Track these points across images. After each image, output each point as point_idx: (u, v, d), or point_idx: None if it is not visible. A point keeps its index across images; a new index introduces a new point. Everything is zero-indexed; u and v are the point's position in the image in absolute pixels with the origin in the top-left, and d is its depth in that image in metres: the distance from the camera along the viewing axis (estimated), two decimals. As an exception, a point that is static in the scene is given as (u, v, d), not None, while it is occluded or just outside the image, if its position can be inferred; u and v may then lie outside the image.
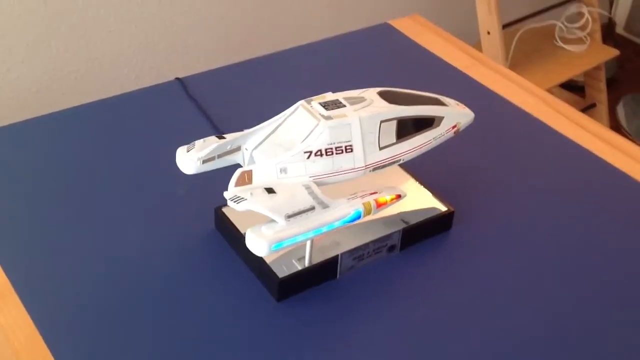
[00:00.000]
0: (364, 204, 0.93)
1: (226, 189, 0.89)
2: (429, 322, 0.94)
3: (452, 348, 0.91)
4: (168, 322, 0.91)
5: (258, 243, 0.86)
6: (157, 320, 0.92)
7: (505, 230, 1.08)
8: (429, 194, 1.07)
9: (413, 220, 1.02)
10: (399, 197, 0.97)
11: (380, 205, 0.95)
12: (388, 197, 0.96)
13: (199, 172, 0.95)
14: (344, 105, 0.94)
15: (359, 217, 0.93)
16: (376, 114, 0.95)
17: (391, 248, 1.02)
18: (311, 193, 0.91)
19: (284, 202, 0.88)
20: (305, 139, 0.92)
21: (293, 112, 0.95)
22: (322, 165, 0.92)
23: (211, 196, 1.03)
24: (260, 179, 0.90)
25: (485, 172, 1.18)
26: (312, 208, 0.90)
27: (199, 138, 0.97)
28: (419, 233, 1.04)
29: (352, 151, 0.93)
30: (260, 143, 0.95)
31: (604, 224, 1.11)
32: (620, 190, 1.17)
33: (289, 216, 0.88)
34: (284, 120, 0.95)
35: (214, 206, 1.03)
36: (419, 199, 1.06)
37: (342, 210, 0.92)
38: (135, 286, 0.96)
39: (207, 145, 0.94)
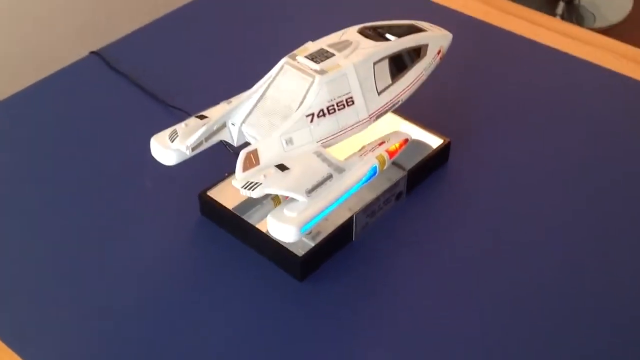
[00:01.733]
0: (377, 157, 0.85)
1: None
2: (452, 267, 0.88)
3: (477, 291, 0.85)
4: (185, 327, 0.81)
5: (285, 229, 0.76)
6: (173, 327, 0.81)
7: (500, 151, 1.02)
8: (418, 128, 0.99)
9: (409, 162, 0.93)
10: (407, 141, 0.89)
11: (392, 155, 0.86)
12: (397, 144, 0.87)
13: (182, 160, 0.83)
14: (333, 54, 0.84)
15: (375, 173, 0.85)
16: (368, 57, 0.85)
17: (399, 195, 0.94)
18: (325, 160, 0.81)
19: (300, 177, 0.79)
20: (302, 101, 0.81)
21: (278, 72, 0.84)
22: (327, 126, 0.82)
23: (186, 181, 0.92)
24: (268, 157, 0.79)
25: (467, 96, 1.11)
26: (330, 176, 0.80)
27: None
28: (422, 173, 0.96)
29: (353, 103, 0.84)
30: (249, 114, 0.84)
31: (600, 125, 1.07)
32: (610, 88, 1.13)
33: (309, 191, 0.78)
34: (270, 84, 0.84)
35: (192, 191, 0.91)
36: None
37: (359, 170, 0.83)
38: (140, 295, 0.84)
39: (192, 129, 0.82)
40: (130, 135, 1.03)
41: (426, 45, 0.92)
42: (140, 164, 0.97)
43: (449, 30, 0.97)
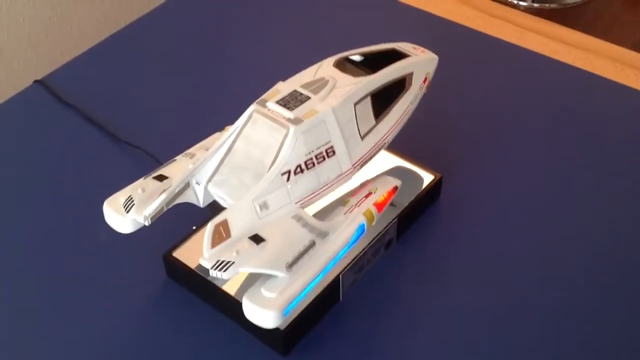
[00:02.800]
0: (364, 214, 0.74)
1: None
2: (450, 322, 0.78)
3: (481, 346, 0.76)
4: None
5: (264, 315, 0.66)
6: None
7: (494, 183, 0.92)
8: (404, 161, 0.88)
9: (397, 202, 0.83)
10: (396, 189, 0.79)
11: (381, 208, 0.76)
12: (385, 194, 0.77)
13: None
14: (308, 97, 0.73)
15: (363, 232, 0.74)
16: (347, 98, 0.74)
17: (388, 243, 0.84)
18: (305, 224, 0.70)
19: (278, 249, 0.68)
20: (276, 156, 0.70)
21: (246, 122, 0.72)
22: (306, 184, 0.71)
23: (147, 235, 0.81)
24: (240, 227, 0.68)
25: (454, 121, 1.01)
26: (313, 244, 0.70)
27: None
28: (412, 214, 0.86)
29: (334, 154, 0.73)
30: (215, 172, 0.72)
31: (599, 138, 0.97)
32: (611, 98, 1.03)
33: (290, 265, 0.68)
34: (237, 136, 0.72)
35: (156, 248, 0.81)
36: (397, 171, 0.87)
37: (345, 231, 0.72)
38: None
39: (150, 195, 0.71)
40: (80, 177, 0.92)
41: (411, 75, 0.81)
42: (92, 212, 0.86)
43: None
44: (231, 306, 0.75)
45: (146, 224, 0.70)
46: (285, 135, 0.70)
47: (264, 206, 0.69)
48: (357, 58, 0.80)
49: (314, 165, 0.72)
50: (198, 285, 0.79)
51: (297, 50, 1.11)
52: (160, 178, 0.72)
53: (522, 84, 1.05)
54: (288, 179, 0.70)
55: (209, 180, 0.72)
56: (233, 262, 0.65)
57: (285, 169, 0.70)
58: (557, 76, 1.07)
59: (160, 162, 0.90)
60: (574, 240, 0.85)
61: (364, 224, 0.74)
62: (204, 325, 0.77)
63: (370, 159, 0.77)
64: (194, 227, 0.82)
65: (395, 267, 0.83)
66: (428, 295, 0.80)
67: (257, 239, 0.68)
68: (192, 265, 0.79)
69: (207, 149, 0.78)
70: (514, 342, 0.76)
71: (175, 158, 0.77)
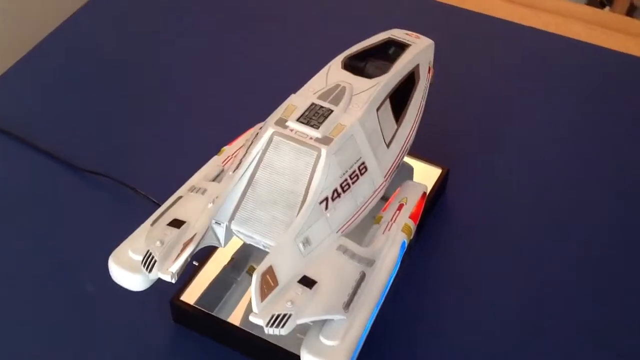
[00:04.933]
0: (403, 230, 0.67)
1: None
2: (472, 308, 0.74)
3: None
4: None
5: None
6: None
7: (500, 173, 0.87)
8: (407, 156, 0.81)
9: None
10: (425, 195, 0.72)
11: (416, 219, 0.69)
12: (416, 202, 0.70)
13: None
14: (330, 110, 0.65)
15: (404, 250, 0.67)
16: (370, 104, 0.67)
17: (409, 249, 0.77)
18: (352, 256, 0.63)
19: (332, 289, 0.60)
20: (309, 183, 0.62)
21: (266, 147, 0.64)
22: (344, 209, 0.64)
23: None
24: (286, 271, 0.60)
25: (449, 111, 0.95)
26: (363, 276, 0.62)
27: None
28: (427, 212, 0.79)
29: (366, 170, 0.65)
30: (237, 208, 0.63)
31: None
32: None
33: (347, 304, 0.60)
34: (257, 164, 0.63)
35: (153, 292, 0.70)
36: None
37: (390, 254, 0.65)
38: None
39: (171, 247, 0.61)
40: (43, 219, 0.81)
41: (417, 67, 0.74)
42: (70, 258, 0.76)
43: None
44: (259, 348, 0.68)
45: (173, 281, 0.60)
46: (317, 159, 0.62)
47: (306, 242, 0.61)
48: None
49: (349, 186, 0.64)
50: (216, 329, 0.70)
51: (278, 41, 1.02)
52: (176, 224, 0.63)
53: (526, 65, 1.00)
54: (326, 207, 0.62)
55: (232, 219, 0.63)
56: (290, 315, 0.57)
57: (322, 197, 0.62)
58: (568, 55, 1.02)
59: (131, 187, 0.80)
60: (597, 227, 0.82)
61: (405, 242, 0.67)
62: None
63: (397, 167, 0.70)
64: (195, 264, 0.73)
65: (419, 270, 0.77)
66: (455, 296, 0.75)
67: (307, 282, 0.60)
68: (206, 308, 0.71)
69: (212, 179, 0.69)
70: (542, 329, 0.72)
71: (179, 194, 0.67)
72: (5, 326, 0.72)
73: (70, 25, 1.05)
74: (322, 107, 0.65)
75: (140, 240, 0.64)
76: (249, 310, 0.66)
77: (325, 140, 0.62)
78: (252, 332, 0.68)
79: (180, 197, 0.67)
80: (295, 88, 0.69)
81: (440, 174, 0.81)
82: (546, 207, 0.84)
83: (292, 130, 0.63)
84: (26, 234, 0.79)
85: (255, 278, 0.58)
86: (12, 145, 0.88)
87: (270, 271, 0.59)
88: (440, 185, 0.82)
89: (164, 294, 0.70)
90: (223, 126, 0.89)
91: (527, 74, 1.00)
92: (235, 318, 0.71)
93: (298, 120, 0.64)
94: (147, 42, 1.03)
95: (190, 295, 0.72)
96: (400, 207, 0.69)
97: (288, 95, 0.67)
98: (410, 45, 0.75)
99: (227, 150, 0.72)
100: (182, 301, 0.71)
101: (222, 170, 0.70)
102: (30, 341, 0.71)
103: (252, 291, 0.58)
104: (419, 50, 0.74)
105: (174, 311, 0.72)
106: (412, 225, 0.68)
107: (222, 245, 0.64)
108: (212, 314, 0.71)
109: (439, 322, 0.73)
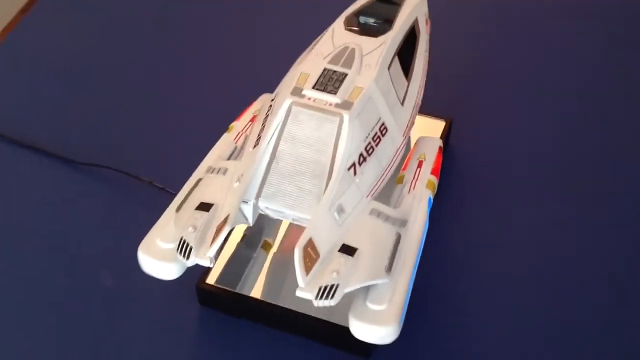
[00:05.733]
0: (427, 186, 0.67)
1: None
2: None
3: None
4: None
5: (383, 332, 0.58)
6: None
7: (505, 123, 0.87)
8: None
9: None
10: (441, 149, 0.72)
11: (437, 174, 0.69)
12: (435, 157, 0.70)
13: None
14: (344, 74, 0.64)
15: (431, 206, 0.67)
16: (382, 63, 0.66)
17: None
18: (386, 219, 0.62)
19: (373, 254, 0.60)
20: (335, 150, 0.61)
21: (285, 119, 0.62)
22: (372, 172, 0.63)
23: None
24: (326, 241, 0.59)
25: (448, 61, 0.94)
26: (399, 237, 0.62)
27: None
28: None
29: (387, 130, 0.65)
30: (262, 185, 0.62)
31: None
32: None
33: (389, 267, 0.60)
34: (278, 137, 0.62)
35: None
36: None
37: (419, 212, 0.65)
38: None
39: (204, 231, 0.60)
40: (46, 217, 0.78)
41: (416, 21, 0.73)
42: (83, 253, 0.74)
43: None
44: (292, 319, 0.67)
45: (212, 265, 0.59)
46: (340, 125, 0.61)
47: (341, 211, 0.60)
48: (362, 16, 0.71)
49: (373, 149, 0.63)
50: (245, 307, 0.69)
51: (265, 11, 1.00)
52: (205, 207, 0.61)
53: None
54: (355, 172, 0.61)
55: (258, 195, 0.62)
56: (337, 285, 0.57)
57: (350, 163, 0.61)
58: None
59: (134, 176, 0.78)
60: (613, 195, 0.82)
61: (430, 198, 0.66)
62: (266, 347, 0.68)
63: (412, 124, 0.69)
64: None
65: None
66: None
67: (349, 250, 0.59)
68: (235, 287, 0.70)
69: (227, 158, 0.67)
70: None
71: (198, 177, 0.65)
72: (38, 325, 0.70)
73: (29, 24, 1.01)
74: (335, 71, 0.64)
75: (167, 229, 0.62)
76: (273, 284, 0.66)
77: (345, 105, 0.61)
78: (291, 308, 0.67)
79: (200, 180, 0.65)
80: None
81: (445, 126, 0.81)
82: (548, 153, 0.84)
83: (309, 99, 0.62)
84: (36, 234, 0.77)
85: (298, 252, 0.57)
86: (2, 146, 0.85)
87: (310, 244, 0.58)
88: (446, 137, 0.81)
89: (185, 279, 0.69)
90: (219, 102, 0.87)
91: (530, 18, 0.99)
92: (258, 292, 0.70)
93: (314, 87, 0.62)
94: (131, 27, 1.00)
95: (211, 277, 0.71)
96: (420, 164, 0.69)
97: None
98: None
99: (237, 126, 0.71)
100: (207, 284, 0.70)
101: (236, 148, 0.69)
102: (58, 340, 0.69)
103: (297, 266, 0.57)
104: (414, 4, 0.73)
105: (200, 294, 0.71)
106: (435, 181, 0.68)
107: (251, 223, 0.63)
108: (237, 291, 0.70)
109: (470, 274, 0.73)
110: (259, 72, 0.90)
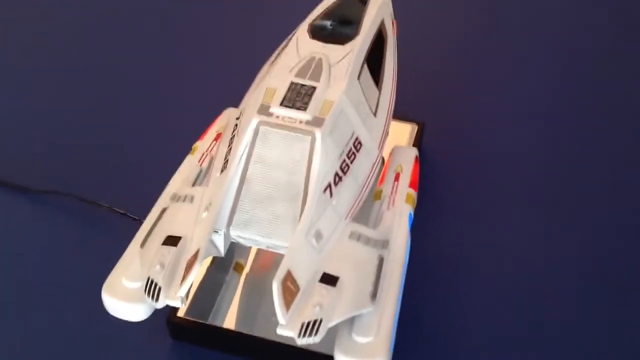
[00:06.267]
0: (406, 201, 0.63)
1: None
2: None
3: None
4: None
5: None
6: None
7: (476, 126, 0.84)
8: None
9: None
10: (417, 158, 0.68)
11: (416, 186, 0.65)
12: (412, 168, 0.66)
13: None
14: (313, 87, 0.59)
15: (412, 221, 0.63)
16: (351, 74, 0.62)
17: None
18: (367, 241, 0.58)
19: (356, 282, 0.56)
20: (307, 171, 0.57)
21: (253, 140, 0.58)
22: (348, 192, 0.59)
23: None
24: (304, 273, 0.55)
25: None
26: (382, 259, 0.58)
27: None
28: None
29: (361, 144, 0.61)
30: (233, 212, 0.58)
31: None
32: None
33: (373, 294, 0.56)
34: (247, 160, 0.58)
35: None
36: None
37: (400, 230, 0.61)
38: None
39: (172, 269, 0.55)
40: (8, 250, 0.73)
41: (383, 23, 0.69)
42: (45, 290, 0.69)
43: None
44: (269, 350, 0.64)
45: (182, 306, 0.55)
46: (312, 143, 0.57)
47: (319, 237, 0.56)
48: (325, 21, 0.67)
49: (348, 167, 0.59)
50: (219, 338, 0.65)
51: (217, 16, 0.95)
52: (172, 241, 0.56)
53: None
54: (331, 194, 0.57)
55: (229, 224, 0.57)
56: (321, 319, 0.53)
57: (325, 184, 0.57)
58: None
59: (92, 202, 0.73)
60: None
61: (411, 213, 0.63)
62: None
63: (387, 134, 0.65)
64: None
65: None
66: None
67: (330, 279, 0.55)
68: (202, 318, 0.65)
69: (192, 183, 0.63)
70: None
71: (162, 206, 0.61)
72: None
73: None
74: (303, 85, 0.59)
75: (132, 266, 0.57)
76: (248, 312, 0.62)
77: (317, 122, 0.57)
78: (268, 338, 0.63)
79: (164, 210, 0.60)
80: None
81: (417, 130, 0.77)
82: (524, 151, 0.81)
83: (278, 117, 0.58)
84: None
85: (276, 287, 0.53)
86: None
87: (289, 276, 0.54)
88: (419, 141, 0.78)
89: (155, 312, 0.64)
90: (180, 118, 0.83)
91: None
92: (232, 322, 0.66)
93: (282, 104, 0.58)
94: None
95: (182, 309, 0.66)
96: (397, 177, 0.65)
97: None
98: (369, 0, 0.70)
99: (200, 146, 0.66)
100: (178, 317, 0.66)
101: (201, 171, 0.64)
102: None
103: (276, 302, 0.53)
104: (378, 4, 0.69)
105: (172, 329, 0.66)
106: (414, 194, 0.64)
107: (222, 254, 0.59)
108: (210, 323, 0.65)
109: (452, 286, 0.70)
110: (220, 81, 0.85)
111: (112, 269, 0.58)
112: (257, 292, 0.68)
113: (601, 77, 0.89)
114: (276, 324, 0.52)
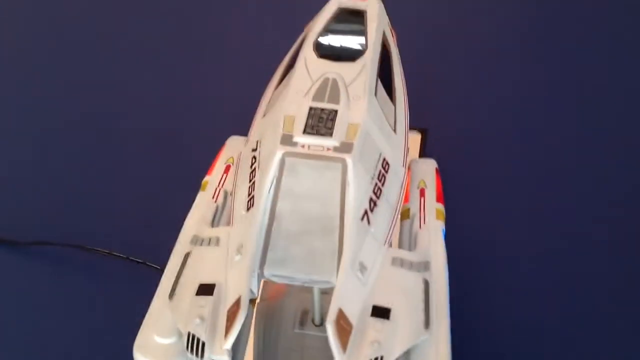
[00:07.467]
0: (437, 217, 0.61)
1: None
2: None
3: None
4: None
5: None
6: None
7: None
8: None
9: None
10: (437, 170, 0.66)
11: (442, 199, 0.63)
12: (435, 181, 0.64)
13: None
14: (334, 110, 0.56)
15: (445, 236, 0.61)
16: (368, 92, 0.59)
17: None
18: (410, 266, 0.56)
19: (408, 311, 0.53)
20: (342, 200, 0.54)
21: (279, 173, 0.54)
22: (383, 217, 0.56)
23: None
24: (355, 309, 0.52)
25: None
26: (427, 282, 0.55)
27: None
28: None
29: (389, 165, 0.58)
30: (266, 251, 0.54)
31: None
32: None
33: (426, 321, 0.53)
34: (275, 195, 0.54)
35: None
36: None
37: (437, 247, 0.59)
38: None
39: (213, 320, 0.52)
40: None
41: (384, 35, 0.67)
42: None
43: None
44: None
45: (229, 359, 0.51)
46: (344, 170, 0.54)
47: (363, 268, 0.53)
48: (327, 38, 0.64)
49: (380, 190, 0.56)
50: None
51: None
52: (206, 290, 0.53)
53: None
54: (369, 221, 0.54)
55: (262, 264, 0.54)
56: (382, 357, 0.50)
57: (362, 211, 0.54)
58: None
59: (87, 248, 0.69)
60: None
61: (444, 229, 0.60)
62: None
63: (408, 150, 0.63)
64: None
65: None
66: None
67: (382, 312, 0.52)
68: None
69: (211, 222, 0.59)
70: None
71: (184, 251, 0.57)
72: None
73: None
74: (323, 109, 0.56)
75: (162, 320, 0.53)
76: (268, 348, 0.59)
77: (345, 147, 0.54)
78: None
79: (187, 255, 0.56)
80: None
81: (421, 138, 0.75)
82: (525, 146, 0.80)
83: (303, 146, 0.54)
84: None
85: (331, 329, 0.50)
86: None
87: (341, 315, 0.50)
88: (422, 148, 0.76)
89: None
90: (176, 151, 0.79)
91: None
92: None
93: (305, 132, 0.55)
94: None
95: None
96: (422, 193, 0.62)
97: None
98: (365, 11, 0.67)
99: (210, 180, 0.62)
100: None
101: (217, 207, 0.60)
102: None
103: (332, 344, 0.49)
104: (376, 15, 0.67)
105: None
106: (442, 209, 0.62)
107: (257, 295, 0.55)
108: None
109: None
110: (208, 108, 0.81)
111: (139, 326, 0.54)
112: (273, 325, 0.64)
113: (609, 84, 0.89)
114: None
